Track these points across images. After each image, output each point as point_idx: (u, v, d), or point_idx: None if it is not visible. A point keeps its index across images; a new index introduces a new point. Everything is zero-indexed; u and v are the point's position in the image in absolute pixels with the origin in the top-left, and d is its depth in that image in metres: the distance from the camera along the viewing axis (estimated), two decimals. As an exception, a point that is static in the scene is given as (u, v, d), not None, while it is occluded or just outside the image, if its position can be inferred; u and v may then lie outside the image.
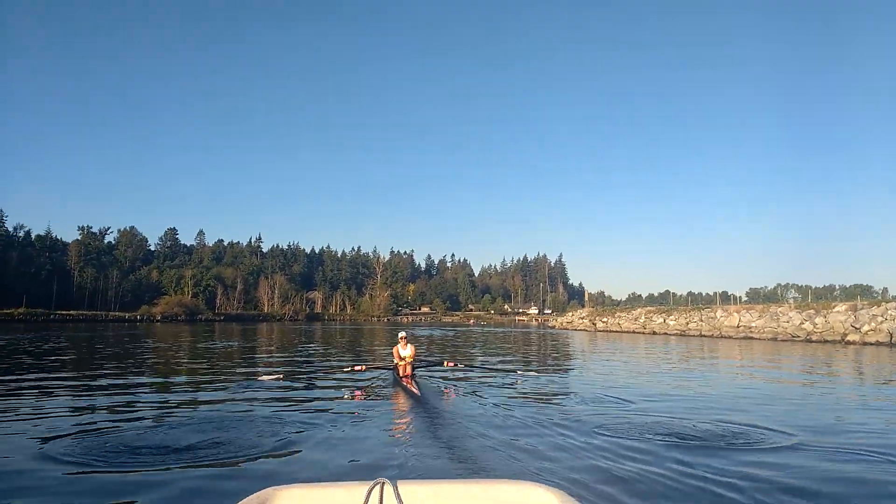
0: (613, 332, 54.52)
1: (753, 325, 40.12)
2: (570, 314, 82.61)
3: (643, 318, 54.44)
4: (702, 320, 46.01)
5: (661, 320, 51.67)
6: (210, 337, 36.01)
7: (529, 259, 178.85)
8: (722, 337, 40.65)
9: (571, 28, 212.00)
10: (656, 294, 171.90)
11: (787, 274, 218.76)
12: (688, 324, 47.25)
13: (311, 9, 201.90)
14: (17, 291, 74.27)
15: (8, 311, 67.50)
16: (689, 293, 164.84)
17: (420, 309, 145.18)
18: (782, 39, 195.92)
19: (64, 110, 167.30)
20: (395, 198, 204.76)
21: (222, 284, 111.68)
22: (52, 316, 72.53)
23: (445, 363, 13.22)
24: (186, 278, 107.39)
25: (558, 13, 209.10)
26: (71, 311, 77.80)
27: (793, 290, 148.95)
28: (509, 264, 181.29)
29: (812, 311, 37.64)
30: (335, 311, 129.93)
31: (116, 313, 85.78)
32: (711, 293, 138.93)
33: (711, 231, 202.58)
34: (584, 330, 60.64)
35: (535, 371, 14.40)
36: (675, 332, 47.41)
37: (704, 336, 42.70)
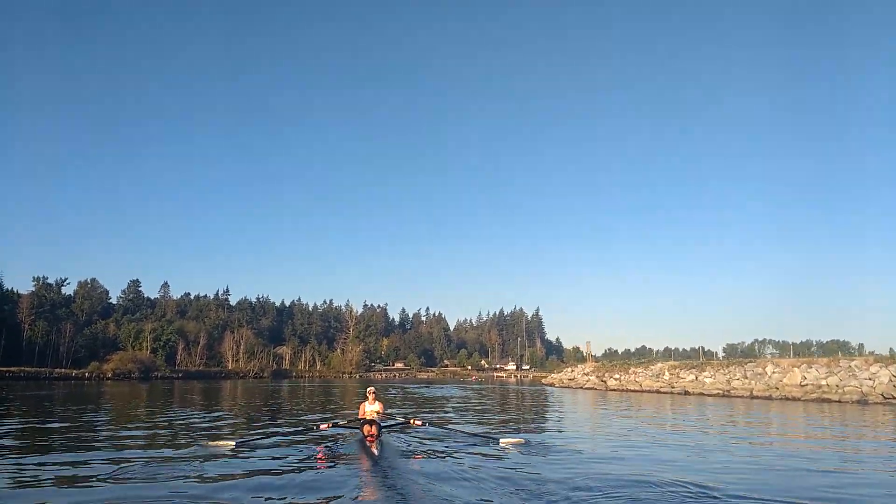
0: (631, 391, 45.15)
1: (824, 382, 32.39)
2: (570, 370, 72.45)
3: (667, 374, 45.99)
4: (746, 377, 37.91)
5: (693, 377, 42.61)
6: (154, 400, 32.02)
7: (506, 313, 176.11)
8: (786, 399, 32.05)
9: (544, 77, 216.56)
10: (632, 350, 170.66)
11: (762, 330, 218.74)
12: (730, 381, 38.78)
13: (293, 60, 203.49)
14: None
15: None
16: (666, 348, 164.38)
17: (394, 364, 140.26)
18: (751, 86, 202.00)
19: (19, 152, 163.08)
20: (369, 250, 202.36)
21: (184, 339, 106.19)
22: (-9, 373, 66.69)
23: (412, 421, 11.87)
24: (146, 333, 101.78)
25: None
26: (12, 368, 72.01)
27: (770, 346, 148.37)
28: (485, 318, 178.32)
29: None
30: (304, 366, 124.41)
31: (63, 370, 79.91)
32: (688, 349, 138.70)
33: (687, 288, 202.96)
34: (592, 388, 51.48)
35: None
36: (714, 391, 38.16)
37: (757, 398, 33.70)
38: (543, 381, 79.07)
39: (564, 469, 8.61)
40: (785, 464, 9.79)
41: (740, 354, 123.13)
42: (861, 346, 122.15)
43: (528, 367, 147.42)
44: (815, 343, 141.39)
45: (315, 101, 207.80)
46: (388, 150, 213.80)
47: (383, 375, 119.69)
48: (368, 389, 11.39)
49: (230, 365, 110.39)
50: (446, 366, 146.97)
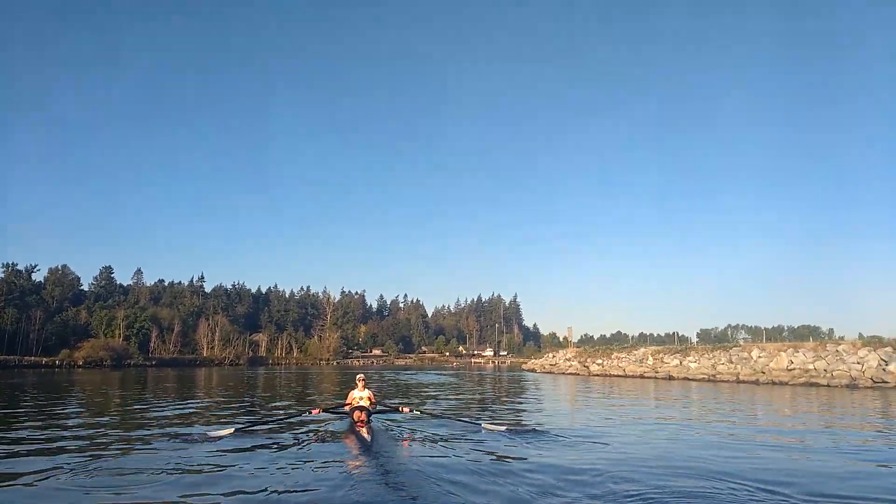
0: (614, 376, 45.05)
1: (811, 367, 32.24)
2: (552, 355, 71.13)
3: (651, 359, 46.04)
4: (731, 361, 38.03)
5: (677, 362, 42.55)
6: (127, 388, 31.40)
7: (484, 299, 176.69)
8: (773, 383, 31.85)
9: (513, 72, 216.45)
10: (608, 335, 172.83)
11: (735, 315, 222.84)
12: (714, 366, 38.73)
13: (262, 51, 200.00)
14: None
15: None
16: (641, 334, 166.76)
17: (371, 351, 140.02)
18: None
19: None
20: (347, 237, 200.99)
21: (158, 327, 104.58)
22: (-42, 361, 64.99)
23: (401, 409, 12.04)
24: (118, 320, 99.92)
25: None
26: (-20, 356, 70.33)
27: (742, 331, 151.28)
28: (463, 305, 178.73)
29: (890, 350, 30.44)
30: (280, 354, 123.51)
31: (33, 358, 78.15)
32: (663, 334, 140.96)
33: (661, 275, 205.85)
34: (574, 374, 50.73)
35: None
36: (700, 376, 37.97)
37: (744, 382, 33.63)
38: (524, 366, 77.40)
39: (570, 457, 8.61)
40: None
41: (714, 339, 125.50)
42: (831, 330, 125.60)
43: (505, 353, 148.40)
44: (786, 328, 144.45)
45: (287, 85, 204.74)
46: (367, 138, 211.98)
47: (361, 362, 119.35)
48: (358, 377, 11.32)
49: (205, 352, 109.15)
50: (424, 352, 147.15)
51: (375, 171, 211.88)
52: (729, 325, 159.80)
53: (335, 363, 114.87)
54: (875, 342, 32.28)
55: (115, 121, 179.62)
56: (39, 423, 12.48)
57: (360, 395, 10.86)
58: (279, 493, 6.23)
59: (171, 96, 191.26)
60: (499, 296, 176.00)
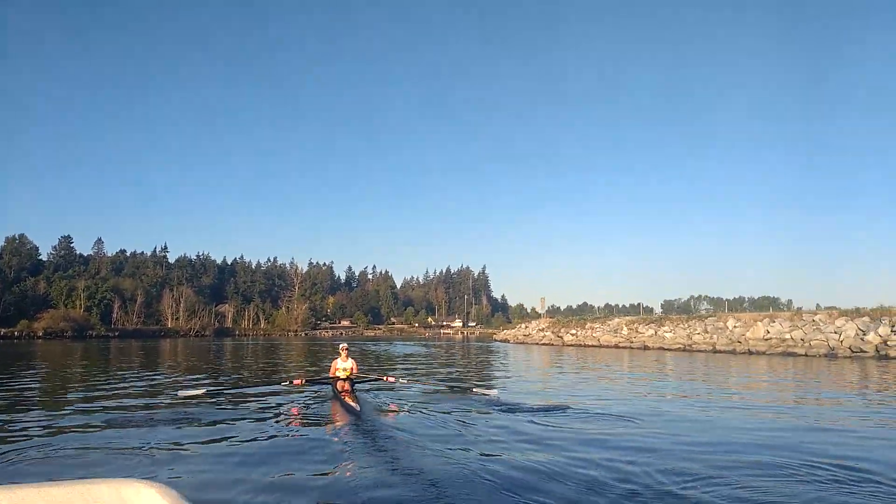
0: (589, 346, 44.97)
1: (788, 336, 31.97)
2: (524, 326, 70.36)
3: (626, 329, 46.12)
4: (707, 331, 37.91)
5: (652, 332, 42.62)
6: (92, 358, 30.73)
7: (453, 271, 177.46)
8: (750, 353, 31.85)
9: (481, 41, 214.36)
10: (574, 306, 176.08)
11: (698, 286, 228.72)
12: (690, 336, 38.56)
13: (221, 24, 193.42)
14: None
15: None
16: (607, 304, 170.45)
17: (340, 322, 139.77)
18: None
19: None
20: (314, 207, 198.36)
21: (120, 297, 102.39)
22: None
23: (386, 378, 11.76)
24: (79, 290, 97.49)
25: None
26: (-67, 327, 68.11)
27: (705, 302, 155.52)
28: (432, 276, 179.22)
29: (867, 320, 29.95)
30: (248, 325, 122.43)
31: (-9, 329, 76.09)
32: (628, 305, 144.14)
33: (624, 245, 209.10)
34: (548, 344, 50.50)
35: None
36: (675, 346, 38.00)
37: (721, 352, 33.50)
38: (495, 337, 76.93)
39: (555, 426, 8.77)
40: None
41: (677, 310, 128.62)
42: (790, 301, 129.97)
43: (474, 324, 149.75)
44: (746, 299, 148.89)
45: (253, 53, 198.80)
46: (334, 106, 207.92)
47: (330, 333, 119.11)
48: (341, 346, 11.35)
49: (170, 323, 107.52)
50: (393, 324, 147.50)
51: (341, 142, 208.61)
52: (692, 296, 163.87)
53: (303, 334, 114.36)
54: (852, 312, 32.09)
55: (71, 84, 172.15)
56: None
57: (343, 366, 10.85)
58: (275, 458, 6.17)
59: (135, 60, 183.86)
60: (468, 267, 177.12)
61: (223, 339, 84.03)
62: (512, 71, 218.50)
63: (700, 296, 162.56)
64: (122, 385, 14.63)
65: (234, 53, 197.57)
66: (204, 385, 11.34)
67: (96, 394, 12.56)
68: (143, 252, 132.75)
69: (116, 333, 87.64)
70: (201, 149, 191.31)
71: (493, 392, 10.94)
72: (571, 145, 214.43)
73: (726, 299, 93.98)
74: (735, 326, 36.45)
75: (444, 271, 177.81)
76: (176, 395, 10.53)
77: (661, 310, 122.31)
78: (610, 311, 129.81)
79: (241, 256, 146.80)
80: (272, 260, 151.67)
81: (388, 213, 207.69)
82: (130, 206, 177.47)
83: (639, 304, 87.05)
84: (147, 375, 18.05)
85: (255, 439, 7.42)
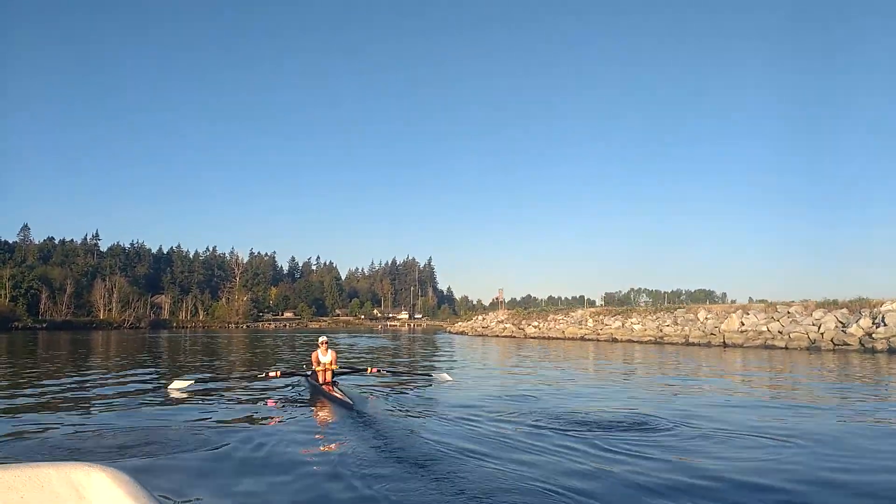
0: (553, 338, 44.08)
1: (765, 329, 31.59)
2: (482, 317, 68.83)
3: (591, 321, 45.10)
4: (677, 323, 37.41)
5: (619, 324, 41.96)
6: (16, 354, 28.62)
7: (398, 262, 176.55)
8: (725, 345, 31.50)
9: (433, 38, 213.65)
10: (518, 298, 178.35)
11: (636, 279, 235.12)
12: (660, 328, 38.06)
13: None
14: None
15: None
16: (550, 297, 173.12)
17: (283, 314, 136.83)
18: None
19: None
20: (255, 196, 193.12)
21: (48, 287, 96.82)
22: None
23: (369, 370, 12.83)
24: (3, 279, 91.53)
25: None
26: None
27: (644, 295, 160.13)
28: (377, 267, 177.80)
29: (846, 311, 29.67)
30: (186, 317, 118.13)
31: None
32: (570, 297, 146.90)
33: (567, 238, 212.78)
34: (509, 336, 49.65)
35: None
36: (646, 339, 37.44)
37: (694, 345, 32.95)
38: (449, 330, 74.73)
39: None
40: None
41: (617, 302, 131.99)
42: (724, 294, 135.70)
43: (420, 316, 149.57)
44: (683, 292, 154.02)
45: (189, 45, 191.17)
46: (277, 88, 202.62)
47: (273, 326, 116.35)
48: (321, 339, 11.34)
49: (102, 315, 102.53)
50: (338, 315, 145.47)
51: (284, 132, 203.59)
52: (632, 289, 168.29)
53: (245, 326, 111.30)
54: (829, 304, 31.79)
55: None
56: None
57: (325, 360, 10.90)
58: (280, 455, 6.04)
59: (65, 43, 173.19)
60: (413, 259, 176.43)
61: (159, 331, 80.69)
62: (468, 58, 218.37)
63: (639, 289, 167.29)
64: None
65: (177, 38, 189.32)
66: (193, 377, 12.07)
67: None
68: (72, 239, 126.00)
69: (45, 325, 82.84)
70: (136, 132, 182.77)
71: (450, 378, 13.17)
72: (520, 139, 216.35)
73: (665, 292, 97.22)
74: (707, 318, 36.27)
75: (389, 263, 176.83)
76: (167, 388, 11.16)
77: (602, 302, 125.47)
78: (553, 302, 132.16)
79: (179, 245, 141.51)
80: (211, 249, 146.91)
81: (333, 202, 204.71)
82: (59, 190, 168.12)
83: (581, 296, 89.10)
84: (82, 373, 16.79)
85: (229, 432, 7.16)
